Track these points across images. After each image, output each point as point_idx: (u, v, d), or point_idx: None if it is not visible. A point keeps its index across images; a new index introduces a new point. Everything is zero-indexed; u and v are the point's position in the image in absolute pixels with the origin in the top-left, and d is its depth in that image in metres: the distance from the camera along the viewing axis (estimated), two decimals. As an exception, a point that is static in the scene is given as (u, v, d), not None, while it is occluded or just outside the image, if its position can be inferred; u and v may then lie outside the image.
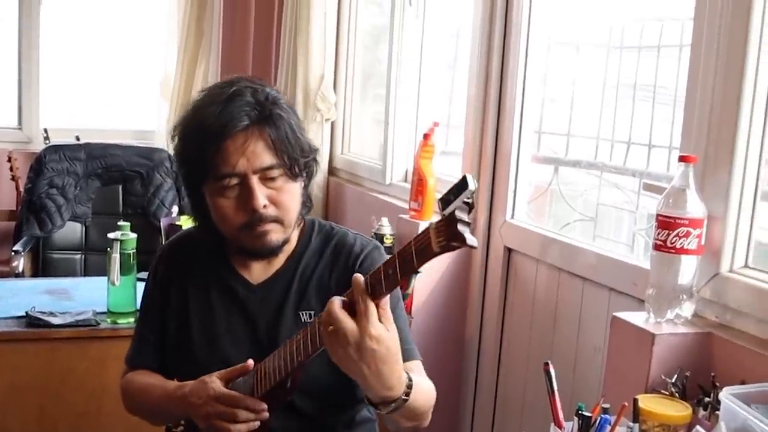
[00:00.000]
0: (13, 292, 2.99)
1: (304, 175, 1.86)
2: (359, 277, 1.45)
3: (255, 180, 1.75)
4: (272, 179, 1.77)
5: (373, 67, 4.25)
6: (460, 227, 1.26)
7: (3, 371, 2.62)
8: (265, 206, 1.76)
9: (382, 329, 1.44)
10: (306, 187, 1.88)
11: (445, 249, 1.29)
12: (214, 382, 1.71)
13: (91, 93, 5.26)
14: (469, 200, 1.29)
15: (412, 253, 1.34)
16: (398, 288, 1.88)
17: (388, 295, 1.45)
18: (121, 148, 4.21)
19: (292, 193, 1.82)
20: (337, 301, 1.47)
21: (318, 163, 1.91)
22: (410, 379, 1.54)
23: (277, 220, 1.80)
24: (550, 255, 2.68)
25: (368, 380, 1.47)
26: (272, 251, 1.85)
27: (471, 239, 1.27)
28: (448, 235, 1.28)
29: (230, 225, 1.80)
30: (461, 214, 1.27)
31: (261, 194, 1.76)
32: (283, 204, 1.79)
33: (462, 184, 1.30)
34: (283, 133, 1.77)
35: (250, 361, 1.72)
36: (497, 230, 2.95)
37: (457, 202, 1.28)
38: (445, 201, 1.31)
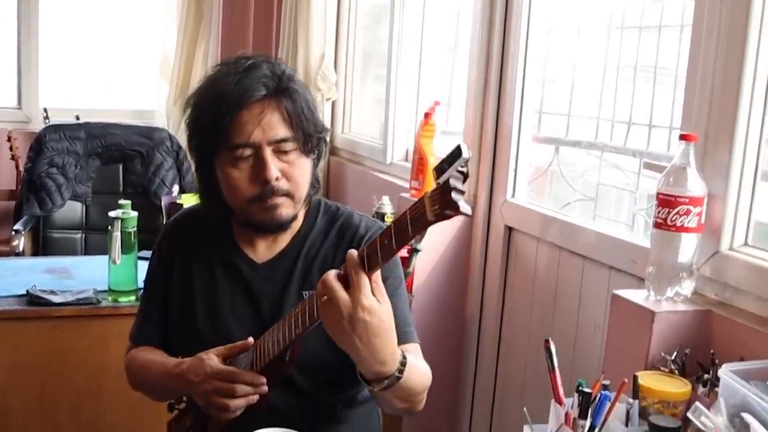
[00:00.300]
0: (13, 271, 2.99)
1: (315, 152, 1.86)
2: (353, 251, 1.46)
3: (269, 151, 1.75)
4: (285, 152, 1.77)
5: (373, 47, 4.24)
6: (454, 195, 1.26)
7: (4, 350, 2.63)
8: (277, 178, 1.76)
9: (374, 301, 1.45)
10: (315, 167, 1.88)
11: (439, 217, 1.29)
12: (211, 359, 1.71)
13: (90, 73, 5.25)
14: (464, 169, 1.28)
15: (407, 222, 1.34)
16: (400, 270, 1.89)
17: (379, 271, 1.46)
18: (121, 128, 4.20)
19: (303, 168, 1.81)
20: (332, 273, 1.49)
21: (327, 144, 1.92)
22: (404, 357, 1.54)
23: (288, 194, 1.80)
24: (551, 234, 2.69)
25: (361, 353, 1.48)
26: (281, 226, 1.85)
27: (465, 207, 1.26)
28: (442, 204, 1.27)
29: (241, 197, 1.80)
30: (455, 183, 1.27)
31: (274, 166, 1.76)
32: (294, 178, 1.79)
33: (456, 153, 1.29)
34: (299, 106, 1.78)
35: (251, 339, 1.73)
36: (498, 209, 2.95)
37: (451, 171, 1.28)
38: (440, 170, 1.30)
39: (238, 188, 1.79)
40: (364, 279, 1.44)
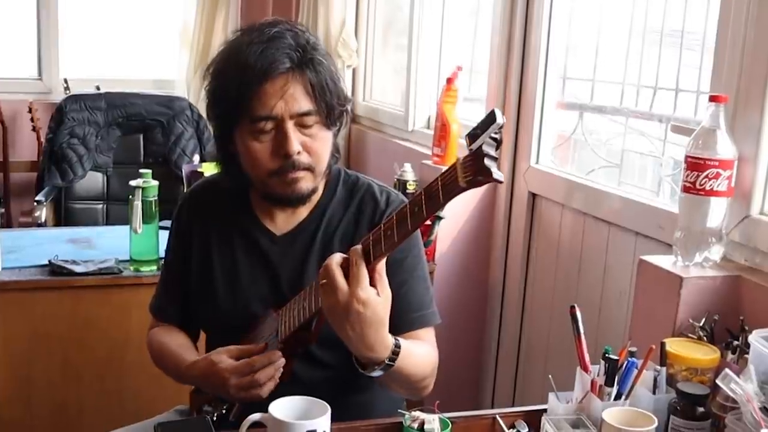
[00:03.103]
0: (35, 241, 2.98)
1: (338, 124, 1.83)
2: (358, 247, 1.48)
3: (291, 125, 1.73)
4: (307, 126, 1.75)
5: (394, 15, 4.20)
6: (487, 162, 1.25)
7: (27, 320, 2.63)
8: (298, 152, 1.74)
9: (372, 294, 1.48)
10: (335, 137, 1.86)
11: (471, 184, 1.28)
12: (222, 361, 1.70)
13: (110, 43, 5.23)
14: (497, 135, 1.28)
15: (439, 189, 1.33)
16: (420, 247, 1.87)
17: (393, 253, 1.48)
18: (142, 97, 4.17)
19: (325, 141, 1.79)
20: (336, 257, 1.51)
21: (349, 114, 1.89)
22: (398, 345, 1.56)
23: (309, 168, 1.78)
24: (575, 200, 2.66)
25: (350, 338, 1.51)
26: (300, 199, 1.83)
27: (497, 174, 1.26)
28: (474, 170, 1.26)
29: (261, 170, 1.78)
30: (488, 149, 1.26)
31: (296, 140, 1.73)
32: (316, 151, 1.77)
33: (490, 118, 1.28)
34: (323, 79, 1.75)
35: (263, 343, 1.72)
36: (521, 176, 2.92)
37: (485, 137, 1.27)
38: (473, 136, 1.29)
39: (259, 161, 1.77)
40: (363, 271, 1.47)
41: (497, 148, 1.27)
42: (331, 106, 1.76)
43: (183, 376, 1.84)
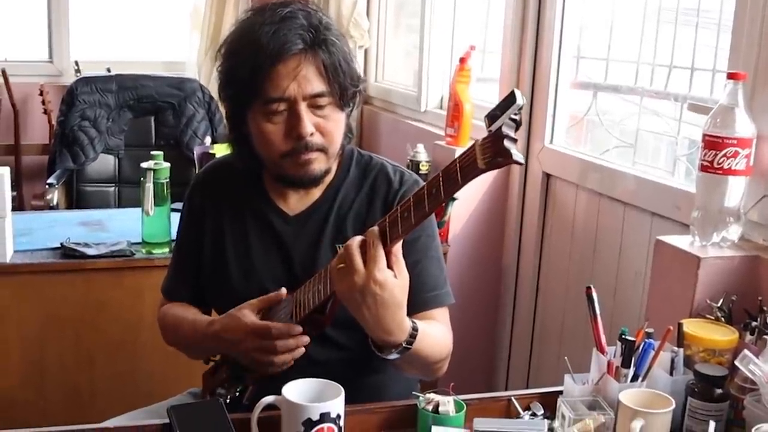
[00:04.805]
0: (48, 224, 2.98)
1: (351, 105, 1.82)
2: (375, 229, 1.48)
3: (304, 106, 1.72)
4: (320, 107, 1.74)
5: (406, -7, 4.17)
6: (507, 143, 1.25)
7: (39, 302, 2.63)
8: (312, 134, 1.73)
9: (389, 275, 1.47)
10: (348, 118, 1.84)
11: (490, 165, 1.28)
12: (246, 315, 1.69)
13: (121, 24, 5.22)
14: (517, 116, 1.27)
15: (457, 170, 1.32)
16: (434, 228, 1.86)
17: (400, 243, 1.48)
18: (153, 79, 4.16)
19: (338, 122, 1.78)
20: (356, 240, 1.51)
21: (362, 94, 1.87)
22: (415, 328, 1.56)
23: (322, 149, 1.77)
24: (590, 180, 2.64)
25: (367, 321, 1.51)
26: (313, 180, 1.82)
27: (517, 155, 1.26)
28: (494, 151, 1.26)
29: (274, 151, 1.77)
30: (508, 130, 1.26)
31: (308, 121, 1.72)
32: (329, 133, 1.76)
33: (510, 100, 1.28)
34: (336, 59, 1.73)
35: (283, 290, 1.71)
36: (535, 156, 2.90)
37: (504, 118, 1.27)
38: (492, 117, 1.29)
39: (271, 142, 1.76)
40: (381, 253, 1.46)
41: (517, 129, 1.27)
42: (344, 86, 1.75)
43: (201, 336, 1.81)
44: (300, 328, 1.64)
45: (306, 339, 1.65)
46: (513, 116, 1.27)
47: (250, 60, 1.71)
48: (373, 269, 1.46)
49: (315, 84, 1.72)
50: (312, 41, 1.71)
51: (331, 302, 1.63)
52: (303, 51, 1.70)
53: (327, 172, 1.83)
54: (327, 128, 1.75)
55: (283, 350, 1.64)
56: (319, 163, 1.78)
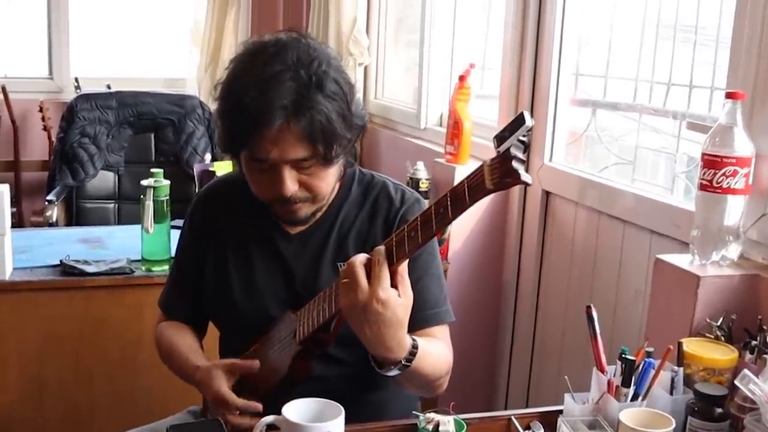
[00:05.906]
0: (47, 241, 2.98)
1: (344, 156, 1.79)
2: (381, 248, 1.49)
3: (287, 168, 1.70)
4: (305, 168, 1.72)
5: (405, 11, 4.18)
6: (515, 164, 1.26)
7: (38, 320, 2.63)
8: (296, 190, 1.74)
9: (393, 294, 1.48)
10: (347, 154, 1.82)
11: (498, 186, 1.29)
12: (215, 379, 1.72)
13: (121, 41, 5.23)
14: (525, 138, 1.29)
15: (465, 191, 1.34)
16: (435, 246, 1.87)
17: (405, 263, 1.49)
18: (152, 96, 4.16)
19: (325, 177, 1.76)
20: (360, 257, 1.51)
21: (364, 132, 1.86)
22: (415, 346, 1.56)
23: (308, 200, 1.78)
24: (590, 198, 2.64)
25: (368, 338, 1.51)
26: (302, 222, 1.84)
27: (525, 176, 1.27)
28: (502, 172, 1.28)
29: (261, 196, 1.79)
30: (516, 151, 1.27)
31: (291, 182, 1.71)
32: (314, 188, 1.76)
33: (519, 121, 1.30)
34: (324, 122, 1.67)
35: (257, 362, 1.73)
36: (535, 173, 2.90)
37: (513, 139, 1.29)
38: (500, 138, 1.31)
39: (257, 190, 1.79)
40: (385, 271, 1.47)
41: (525, 150, 1.28)
42: (330, 146, 1.70)
43: (186, 377, 1.85)
44: (260, 407, 1.66)
45: (259, 408, 1.67)
46: (521, 137, 1.29)
47: (235, 123, 1.71)
48: (376, 287, 1.46)
49: (298, 150, 1.68)
50: (296, 108, 1.65)
51: (335, 321, 1.64)
52: (286, 120, 1.65)
53: (318, 210, 1.84)
54: (312, 184, 1.75)
55: (234, 423, 1.67)
56: (305, 210, 1.79)
